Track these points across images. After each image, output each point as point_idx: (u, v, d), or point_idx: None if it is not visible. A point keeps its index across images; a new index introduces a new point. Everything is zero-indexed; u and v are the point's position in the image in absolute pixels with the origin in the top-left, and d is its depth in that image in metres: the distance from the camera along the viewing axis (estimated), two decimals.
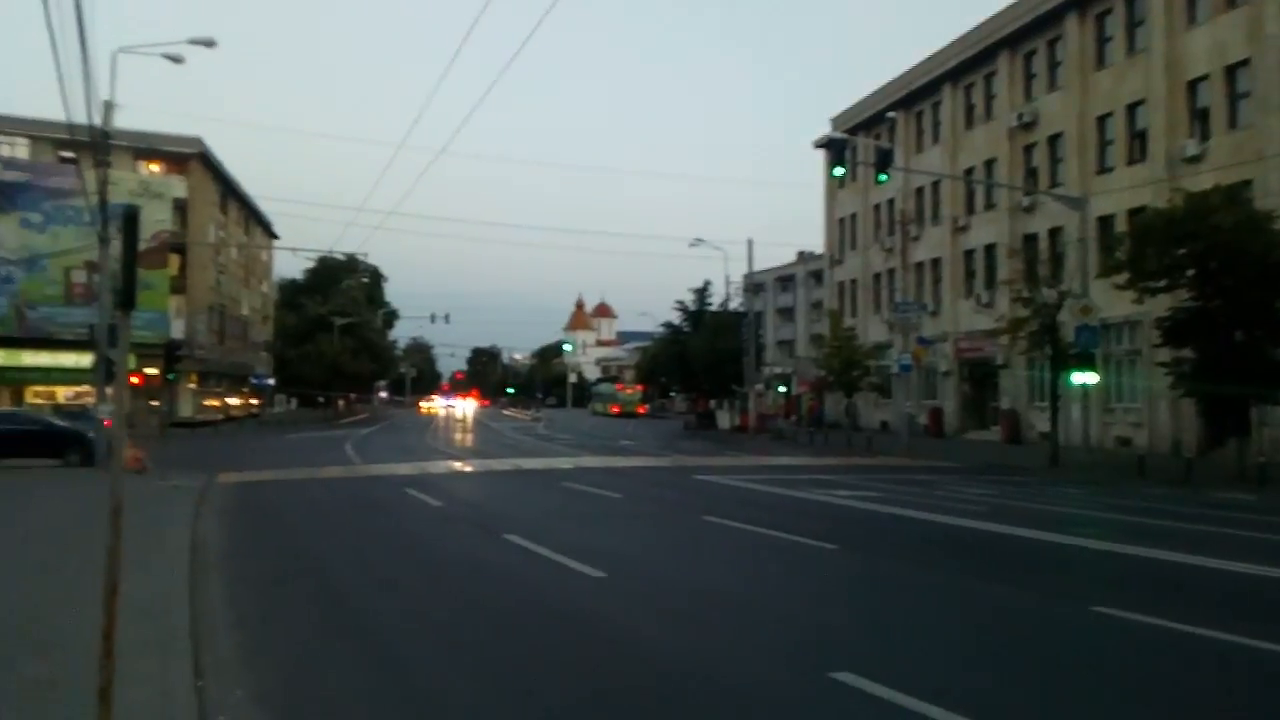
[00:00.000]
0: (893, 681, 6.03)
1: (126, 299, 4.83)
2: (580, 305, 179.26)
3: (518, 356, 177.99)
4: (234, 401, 64.35)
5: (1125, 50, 33.92)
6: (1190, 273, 22.71)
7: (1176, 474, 23.51)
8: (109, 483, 5.02)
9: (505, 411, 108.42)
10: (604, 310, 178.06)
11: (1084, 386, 27.25)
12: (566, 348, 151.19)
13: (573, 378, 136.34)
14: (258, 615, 8.47)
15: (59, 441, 23.74)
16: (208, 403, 57.79)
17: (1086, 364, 26.40)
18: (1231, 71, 29.50)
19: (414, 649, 7.32)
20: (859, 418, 48.86)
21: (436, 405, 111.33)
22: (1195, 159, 29.98)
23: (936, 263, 45.12)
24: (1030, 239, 37.55)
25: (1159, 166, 31.39)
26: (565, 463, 28.84)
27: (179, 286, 51.05)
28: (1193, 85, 31.00)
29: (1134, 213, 30.47)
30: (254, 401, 69.52)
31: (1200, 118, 30.71)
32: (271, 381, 73.43)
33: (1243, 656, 6.96)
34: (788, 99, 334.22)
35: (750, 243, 50.51)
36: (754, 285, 57.11)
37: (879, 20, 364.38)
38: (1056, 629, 8.02)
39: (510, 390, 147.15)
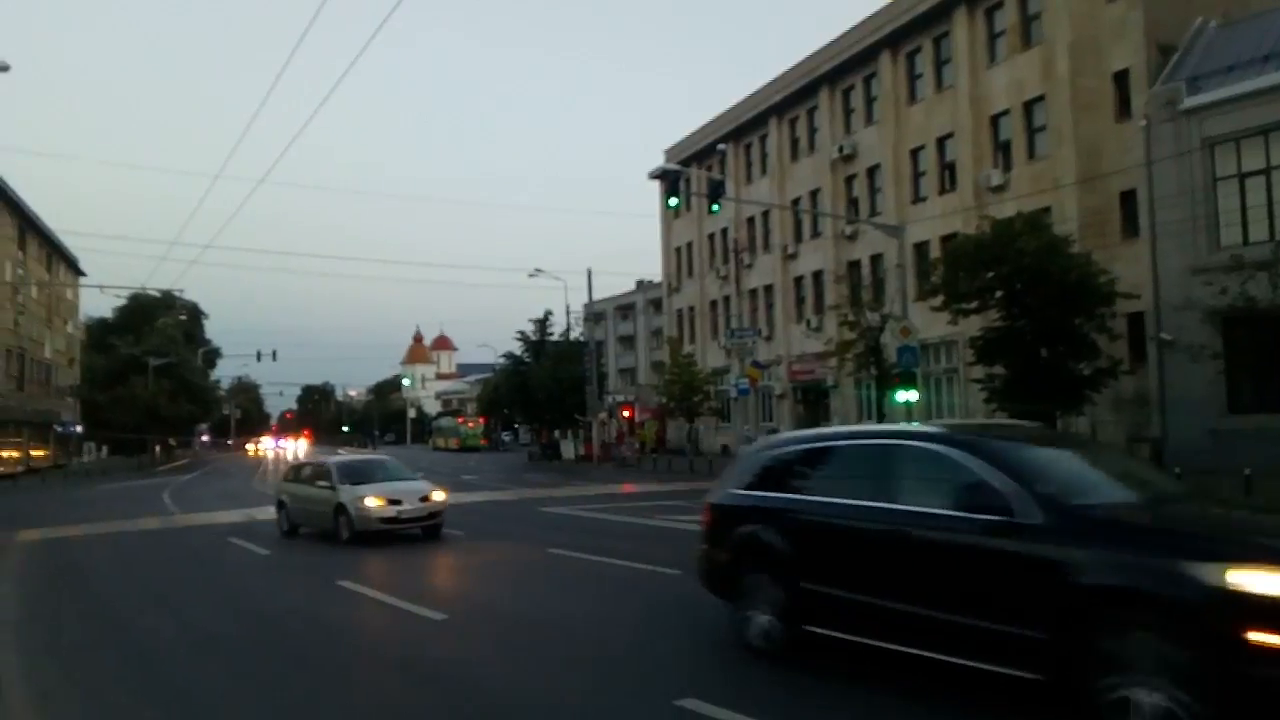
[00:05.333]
0: (736, 704, 6.02)
1: None
2: (418, 338, 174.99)
3: (353, 393, 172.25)
4: (37, 452, 59.62)
5: (934, 87, 36.00)
6: (999, 294, 23.87)
7: None
8: None
9: (340, 450, 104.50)
10: (443, 343, 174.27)
11: (907, 404, 28.45)
12: (404, 382, 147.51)
13: (412, 413, 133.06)
14: (61, 688, 7.71)
15: None
16: (6, 454, 53.42)
17: (908, 383, 27.61)
18: (1029, 107, 31.70)
19: (238, 716, 6.81)
20: (701, 442, 49.69)
21: (265, 447, 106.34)
22: (1000, 188, 32.02)
23: (769, 289, 46.53)
24: (854, 265, 39.28)
25: (967, 195, 33.35)
26: None
27: None
28: (995, 120, 33.14)
29: (946, 239, 31.82)
30: (58, 451, 64.54)
31: (1003, 150, 32.83)
32: (79, 428, 68.41)
33: None
34: (626, 129, 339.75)
35: (590, 272, 50.59)
36: (594, 314, 57.32)
37: (715, 52, 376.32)
38: None
39: (345, 429, 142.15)
